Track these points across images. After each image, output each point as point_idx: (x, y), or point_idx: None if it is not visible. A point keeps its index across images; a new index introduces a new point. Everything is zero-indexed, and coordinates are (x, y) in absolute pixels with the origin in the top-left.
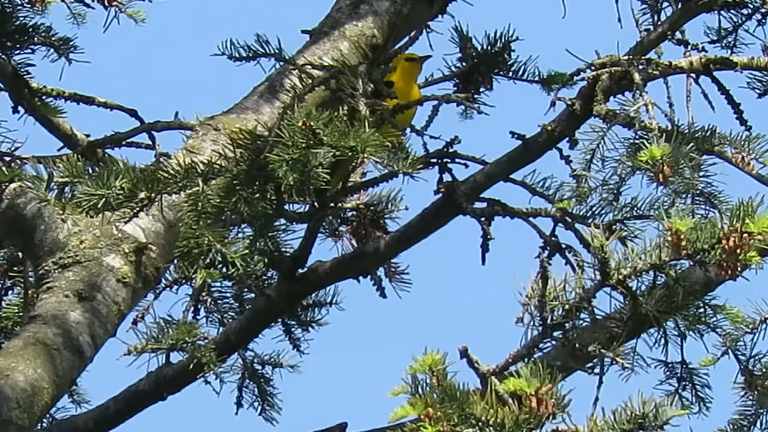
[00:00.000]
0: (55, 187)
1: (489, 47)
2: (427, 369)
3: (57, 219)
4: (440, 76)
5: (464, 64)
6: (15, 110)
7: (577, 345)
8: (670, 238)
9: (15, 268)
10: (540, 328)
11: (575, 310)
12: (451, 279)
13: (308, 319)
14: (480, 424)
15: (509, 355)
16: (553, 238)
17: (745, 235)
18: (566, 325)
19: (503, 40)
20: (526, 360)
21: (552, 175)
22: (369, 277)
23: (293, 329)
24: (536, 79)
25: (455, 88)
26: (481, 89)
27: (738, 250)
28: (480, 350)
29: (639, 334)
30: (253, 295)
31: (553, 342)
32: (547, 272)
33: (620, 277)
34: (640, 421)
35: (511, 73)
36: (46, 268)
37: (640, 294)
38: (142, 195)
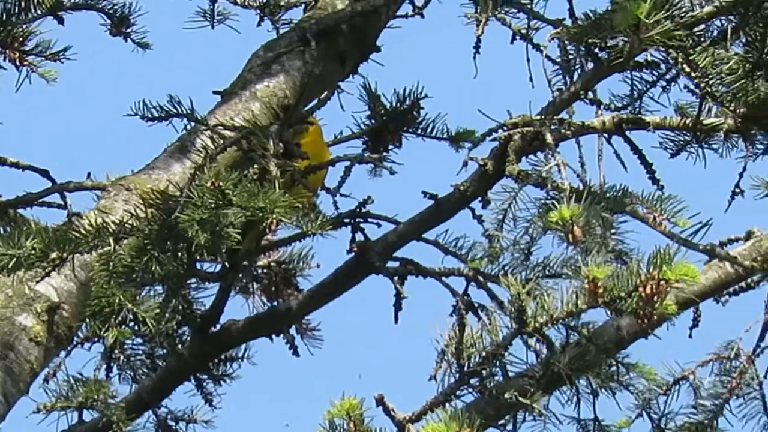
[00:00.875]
0: None
1: (398, 105)
2: (345, 414)
3: None
4: (349, 133)
5: (373, 121)
6: None
7: (493, 392)
8: (587, 286)
9: None
10: (457, 375)
11: (492, 358)
12: (365, 336)
13: (220, 373)
14: None
15: (426, 403)
16: (465, 297)
17: (662, 282)
18: (483, 372)
19: (412, 98)
20: (443, 407)
21: (464, 235)
22: (281, 335)
23: (205, 383)
24: (445, 136)
25: (364, 146)
26: (390, 147)
27: (655, 298)
28: (396, 401)
29: (551, 392)
30: (165, 352)
31: (470, 389)
32: (464, 320)
33: (537, 324)
34: None
35: (420, 131)
36: None
37: (553, 351)
38: (53, 255)
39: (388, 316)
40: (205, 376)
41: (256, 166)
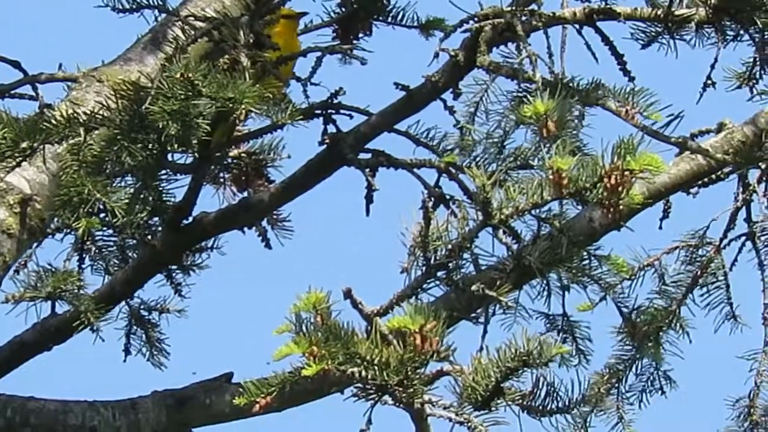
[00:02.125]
0: None
1: None
2: (311, 307)
3: None
4: (319, 22)
5: (343, 9)
6: None
7: (460, 285)
8: (551, 177)
9: None
10: (423, 269)
11: (458, 250)
12: (336, 228)
13: (189, 263)
14: (365, 363)
15: (393, 296)
16: (437, 189)
17: (626, 172)
18: (450, 265)
19: None
20: (410, 301)
21: (436, 126)
22: (253, 228)
23: (174, 274)
24: (415, 24)
25: (334, 35)
26: (361, 35)
27: (620, 188)
28: (364, 295)
29: (521, 286)
30: (136, 244)
31: (437, 283)
32: (429, 214)
33: (502, 216)
34: (524, 358)
35: (390, 19)
36: None
37: (523, 244)
38: (24, 145)
39: (359, 209)
40: (174, 267)
41: (226, 57)
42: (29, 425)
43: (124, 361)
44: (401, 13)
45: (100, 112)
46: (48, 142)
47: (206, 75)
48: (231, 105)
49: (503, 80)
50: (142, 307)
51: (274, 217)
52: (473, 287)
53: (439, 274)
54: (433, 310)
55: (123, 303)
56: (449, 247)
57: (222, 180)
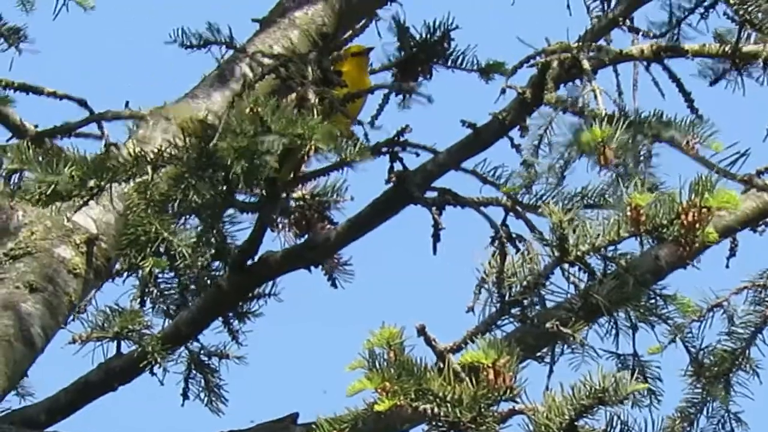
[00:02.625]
0: (2, 174)
1: (428, 36)
2: (384, 343)
3: (7, 209)
4: (378, 66)
5: (403, 53)
6: None
7: (534, 321)
8: (629, 213)
9: None
10: (497, 305)
11: (533, 287)
12: (401, 268)
13: (245, 310)
14: (437, 400)
15: (467, 333)
16: (504, 227)
17: (704, 209)
18: (524, 301)
19: (442, 29)
20: (483, 337)
21: (503, 164)
22: (320, 266)
23: (231, 321)
24: (474, 68)
25: (393, 78)
26: (420, 78)
27: (697, 225)
28: (436, 332)
29: (590, 325)
30: (196, 287)
31: (511, 319)
32: (505, 249)
33: (578, 253)
34: (599, 395)
35: (449, 62)
36: None
37: (591, 283)
38: (91, 183)
39: (425, 247)
40: (230, 314)
41: (294, 94)
42: None
43: (182, 405)
44: (461, 57)
45: (168, 150)
46: (115, 180)
47: (275, 111)
48: (300, 141)
49: (568, 114)
50: (201, 351)
51: (335, 260)
52: (547, 324)
53: (513, 310)
54: (506, 345)
55: (182, 347)
56: (524, 283)
57: (282, 223)
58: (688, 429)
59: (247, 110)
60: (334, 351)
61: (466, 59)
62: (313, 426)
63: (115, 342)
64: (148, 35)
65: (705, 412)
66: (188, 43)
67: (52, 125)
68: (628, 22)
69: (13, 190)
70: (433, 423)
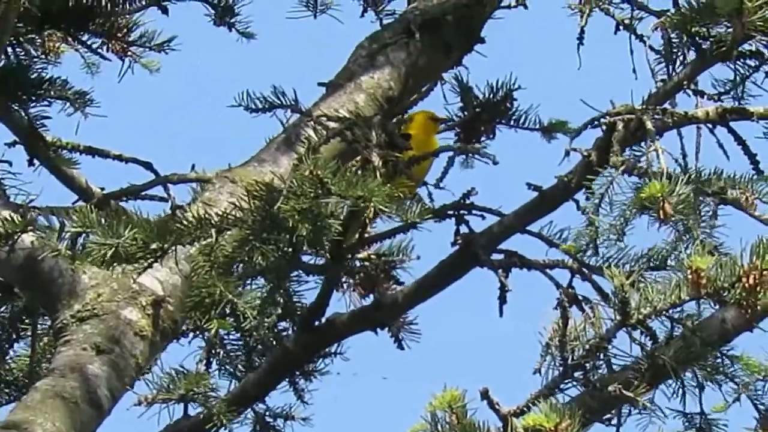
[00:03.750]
0: (66, 237)
1: (491, 96)
2: (447, 406)
3: (74, 272)
4: (443, 127)
5: (466, 113)
6: (30, 163)
7: (597, 386)
8: (690, 277)
9: (23, 319)
10: (560, 369)
11: (595, 351)
12: (467, 329)
13: (311, 369)
14: None
15: (530, 396)
16: (570, 289)
17: (765, 272)
18: (586, 365)
19: (505, 89)
20: (546, 400)
21: (569, 227)
22: (386, 328)
23: (297, 380)
24: (537, 127)
25: (456, 137)
26: (483, 138)
27: (758, 288)
28: (499, 395)
29: (656, 385)
30: (263, 348)
31: (574, 383)
32: (567, 313)
33: (640, 317)
34: None
35: (512, 122)
36: (63, 321)
37: (657, 345)
38: (154, 246)
39: (492, 309)
40: (297, 373)
41: (358, 157)
42: None
43: None
44: (523, 116)
45: (232, 212)
46: (179, 243)
47: (335, 173)
48: (360, 203)
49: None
50: (267, 413)
51: (401, 320)
52: (610, 388)
53: (576, 374)
54: (568, 409)
55: (248, 409)
56: (586, 347)
57: (348, 284)
58: None
59: (307, 172)
60: (398, 411)
61: (529, 119)
62: None
63: (181, 404)
64: (214, 98)
65: None
66: (253, 107)
67: (118, 188)
68: (692, 85)
69: (77, 252)
70: None
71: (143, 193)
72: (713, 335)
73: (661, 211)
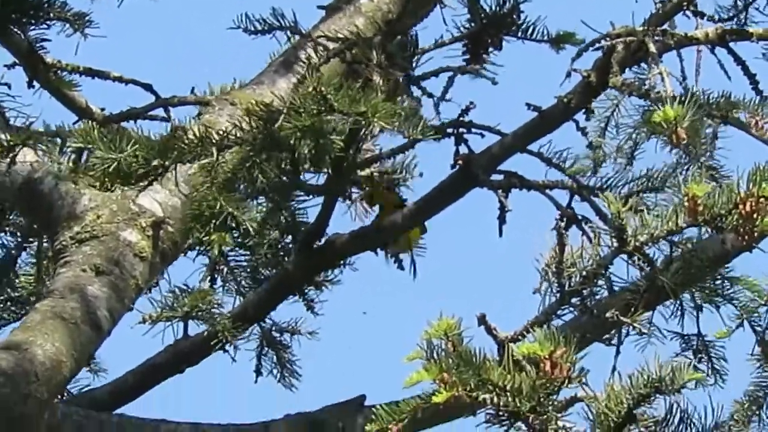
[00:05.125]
0: (68, 152)
1: (497, 8)
2: (442, 334)
3: (74, 194)
4: (449, 38)
5: (473, 25)
6: (30, 85)
7: (594, 312)
8: (686, 204)
9: (30, 240)
10: (557, 295)
11: (592, 277)
12: (468, 250)
13: (322, 279)
14: (497, 389)
15: (527, 322)
16: (569, 210)
17: (762, 199)
18: (584, 291)
19: (512, 1)
20: (543, 326)
21: (568, 148)
22: (386, 249)
23: (307, 291)
24: (545, 38)
25: (464, 49)
26: (491, 50)
27: (755, 215)
28: (497, 320)
29: (655, 307)
30: (267, 265)
31: (571, 309)
32: (564, 239)
33: (637, 243)
34: (656, 384)
35: (520, 33)
36: (63, 242)
37: (656, 266)
38: (155, 163)
39: (491, 230)
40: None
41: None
42: None
43: (255, 382)
44: (531, 28)
45: (233, 131)
46: (180, 161)
47: (338, 89)
48: (363, 119)
49: (635, 97)
50: (273, 328)
51: None
52: (607, 314)
53: (573, 300)
54: (563, 336)
55: (255, 324)
56: (584, 273)
57: (353, 197)
58: (758, 412)
59: (311, 89)
60: (394, 329)
61: (537, 30)
62: (372, 415)
63: (184, 323)
64: (213, 21)
65: None
66: (252, 29)
67: (119, 110)
68: (692, 6)
69: (78, 171)
70: (493, 412)
71: (144, 115)
72: (712, 256)
73: (674, 136)
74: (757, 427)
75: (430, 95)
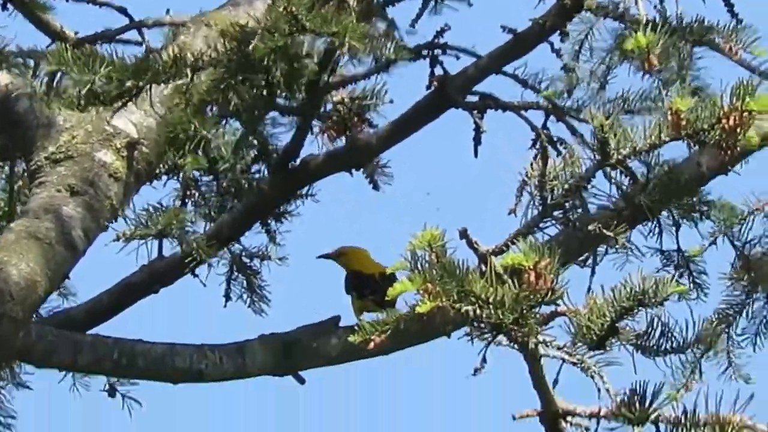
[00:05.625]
0: (42, 75)
1: None
2: (426, 245)
3: (48, 115)
4: None
5: None
6: (4, 7)
7: (576, 225)
8: (670, 118)
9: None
10: (539, 208)
11: (575, 190)
12: (443, 171)
13: (282, 211)
14: (479, 302)
15: (509, 236)
16: (544, 131)
17: (745, 113)
18: (566, 205)
19: None
20: (525, 239)
21: (543, 69)
22: (361, 170)
23: (269, 221)
24: None
25: None
26: None
27: (738, 129)
28: (477, 236)
29: (633, 226)
30: (236, 190)
31: (553, 222)
32: (546, 153)
33: (620, 157)
34: (639, 297)
35: None
36: (38, 163)
37: (633, 187)
38: (129, 84)
39: (466, 151)
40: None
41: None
42: (137, 367)
43: (224, 306)
44: None
45: (208, 53)
46: (154, 81)
47: (310, 9)
48: (336, 40)
49: (609, 20)
50: (243, 253)
51: (376, 163)
52: (590, 227)
53: (555, 213)
54: (547, 248)
55: (224, 250)
56: (566, 187)
57: (321, 127)
58: (727, 330)
59: (281, 9)
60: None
61: None
62: (356, 328)
63: (158, 241)
64: None
65: (745, 314)
66: None
67: (93, 32)
68: None
69: (53, 92)
70: (476, 325)
71: (118, 37)
72: (689, 178)
73: (646, 62)
74: (727, 344)
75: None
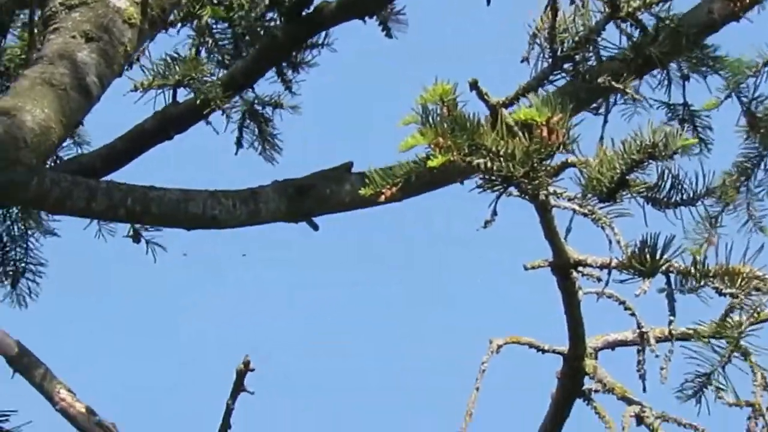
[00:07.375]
0: None
1: None
2: (438, 99)
3: None
4: None
5: None
6: None
7: (586, 77)
8: None
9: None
10: (549, 60)
11: (585, 42)
12: (453, 23)
13: (299, 60)
14: (491, 154)
15: (519, 87)
16: None
17: None
18: (576, 57)
19: None
20: (536, 92)
21: None
22: (375, 17)
23: (285, 70)
24: None
25: None
26: None
27: None
28: (488, 87)
29: (642, 76)
30: (251, 37)
31: (563, 74)
32: (556, 4)
33: (630, 9)
34: (650, 150)
35: None
36: (53, 9)
37: (643, 38)
38: None
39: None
40: (284, 64)
41: None
42: (150, 214)
43: (236, 153)
44: None
45: None
46: None
47: None
48: None
49: None
50: (256, 101)
51: (389, 10)
52: (599, 79)
53: (565, 65)
54: (559, 102)
55: (237, 97)
56: (576, 39)
57: None
58: (746, 183)
59: None
60: (382, 102)
61: None
62: (366, 178)
63: (173, 90)
64: None
65: (762, 165)
66: None
67: None
68: None
69: None
70: (486, 177)
71: None
72: (700, 27)
73: None
74: (746, 197)
75: None
